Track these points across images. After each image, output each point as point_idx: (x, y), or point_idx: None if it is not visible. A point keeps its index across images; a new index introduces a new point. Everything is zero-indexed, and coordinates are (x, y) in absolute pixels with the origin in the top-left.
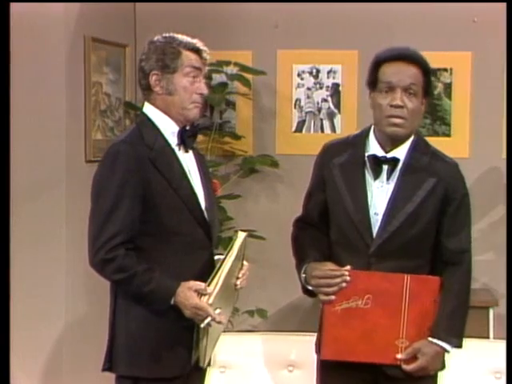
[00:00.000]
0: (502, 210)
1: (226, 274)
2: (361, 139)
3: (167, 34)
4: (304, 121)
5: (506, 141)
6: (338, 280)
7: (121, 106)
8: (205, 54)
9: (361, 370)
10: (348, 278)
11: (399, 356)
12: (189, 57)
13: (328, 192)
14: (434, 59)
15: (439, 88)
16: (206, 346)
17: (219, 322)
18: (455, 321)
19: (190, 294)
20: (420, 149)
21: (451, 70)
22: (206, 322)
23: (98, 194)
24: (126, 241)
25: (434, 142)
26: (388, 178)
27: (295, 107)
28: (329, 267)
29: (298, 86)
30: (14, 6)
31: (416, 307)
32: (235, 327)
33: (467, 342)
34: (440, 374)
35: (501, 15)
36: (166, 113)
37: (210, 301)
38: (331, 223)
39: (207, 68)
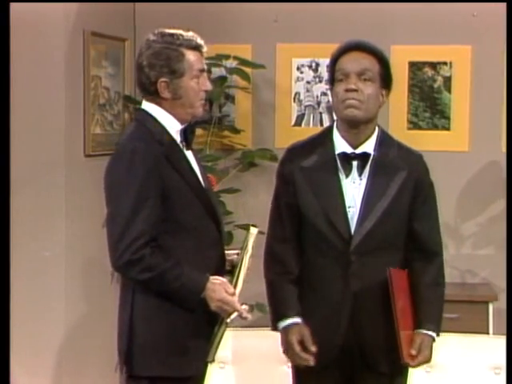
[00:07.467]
0: (501, 204)
1: (245, 272)
2: (326, 138)
3: (164, 32)
4: (303, 114)
5: (506, 135)
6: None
7: (120, 100)
8: (204, 50)
9: (335, 370)
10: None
11: (413, 352)
12: (193, 57)
13: (300, 196)
14: (433, 53)
15: (439, 81)
16: (219, 341)
17: (245, 318)
18: (437, 311)
19: (218, 288)
20: (386, 142)
21: (451, 63)
22: (233, 316)
23: (117, 195)
24: (150, 240)
25: (434, 135)
26: (360, 174)
27: (294, 101)
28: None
29: (298, 79)
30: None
31: (399, 301)
32: (234, 322)
33: (466, 338)
34: (441, 370)
35: (500, 9)
36: (171, 113)
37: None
38: (305, 228)
39: (206, 62)
